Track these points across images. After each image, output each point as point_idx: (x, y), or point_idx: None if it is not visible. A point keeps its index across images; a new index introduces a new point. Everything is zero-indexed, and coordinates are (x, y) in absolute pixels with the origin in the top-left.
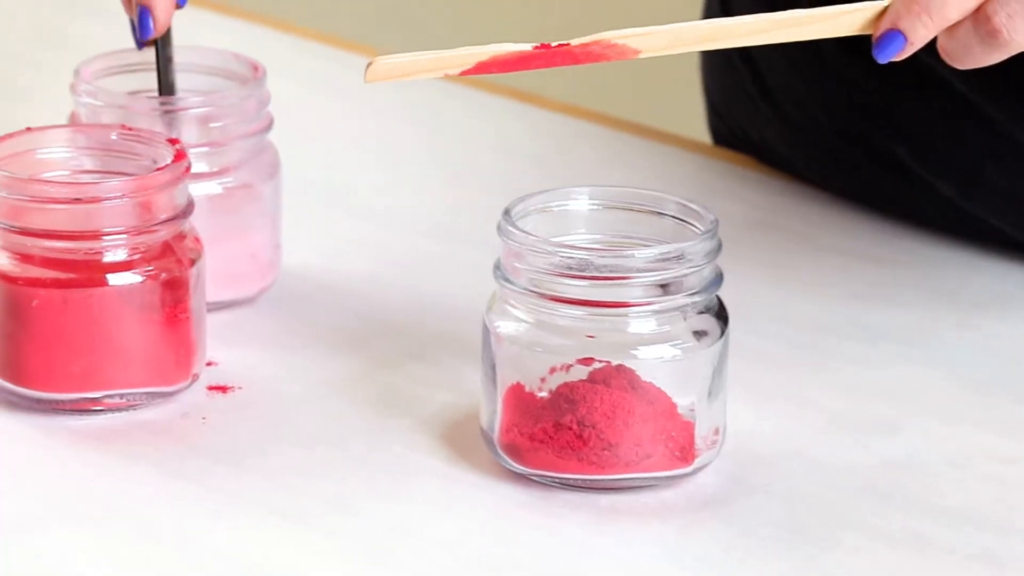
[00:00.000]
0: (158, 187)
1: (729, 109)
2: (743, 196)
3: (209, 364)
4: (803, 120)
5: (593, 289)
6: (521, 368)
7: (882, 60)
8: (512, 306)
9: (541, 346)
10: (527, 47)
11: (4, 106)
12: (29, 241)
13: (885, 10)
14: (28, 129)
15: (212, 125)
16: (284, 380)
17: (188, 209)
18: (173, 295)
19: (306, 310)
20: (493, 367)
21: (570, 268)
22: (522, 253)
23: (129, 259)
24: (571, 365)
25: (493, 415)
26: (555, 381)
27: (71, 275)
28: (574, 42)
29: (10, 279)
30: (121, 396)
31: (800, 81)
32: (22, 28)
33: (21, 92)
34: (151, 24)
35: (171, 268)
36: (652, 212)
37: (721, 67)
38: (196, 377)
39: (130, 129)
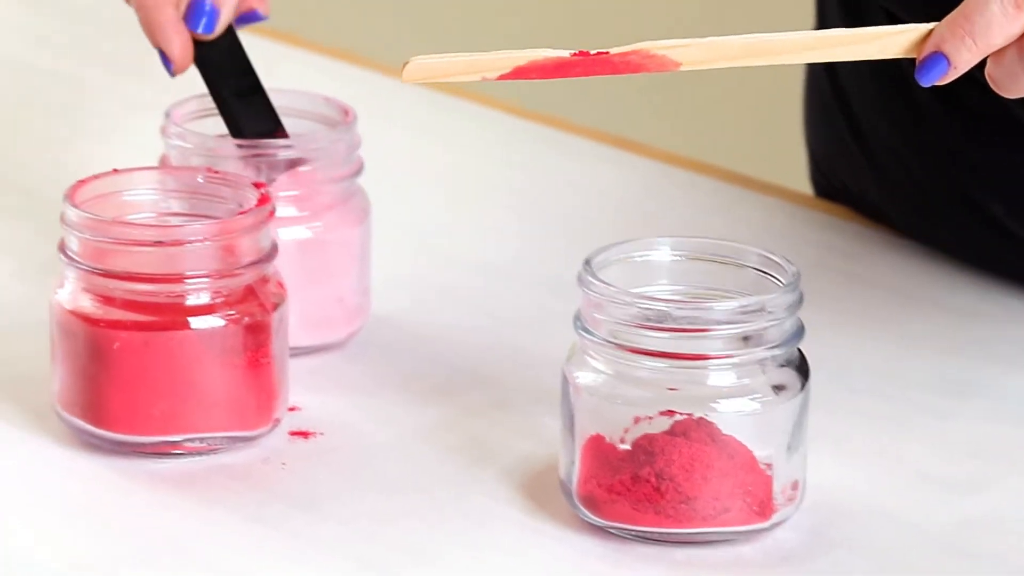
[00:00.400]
0: (241, 231)
1: (829, 160)
2: (840, 248)
3: (292, 409)
4: (900, 173)
5: (673, 341)
6: (599, 419)
7: (925, 83)
8: (591, 357)
9: (620, 398)
10: (565, 54)
11: (97, 147)
12: (112, 283)
13: (930, 33)
14: (115, 171)
15: (301, 169)
16: (367, 426)
17: (272, 253)
18: (255, 339)
19: (393, 356)
20: (572, 418)
21: (649, 320)
22: (601, 304)
23: (211, 303)
24: (653, 417)
25: (571, 466)
26: (638, 432)
27: (153, 318)
28: (613, 51)
29: (92, 321)
30: (202, 440)
31: (897, 134)
32: (119, 66)
33: (115, 131)
34: (168, 66)
35: (254, 312)
36: (734, 263)
37: (821, 118)
38: (277, 422)
39: (216, 172)
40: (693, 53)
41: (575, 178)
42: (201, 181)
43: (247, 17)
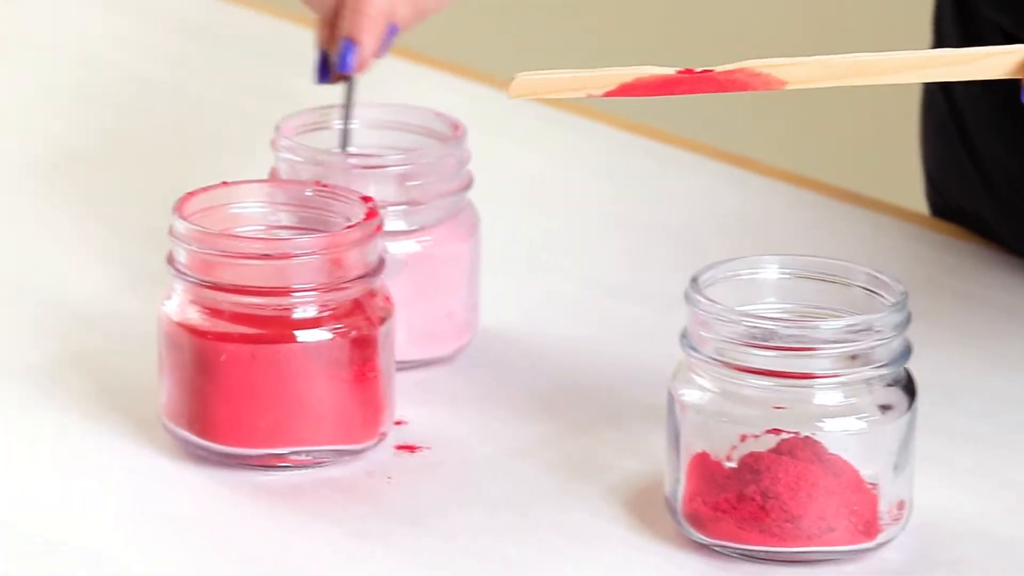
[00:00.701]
0: (349, 244)
1: (944, 180)
2: (954, 267)
3: (399, 423)
4: (1015, 195)
5: (779, 360)
6: (705, 437)
7: None
8: (697, 374)
9: (726, 416)
10: (670, 71)
11: (207, 159)
12: (219, 296)
13: None
14: (224, 183)
15: (410, 184)
16: (473, 441)
17: (379, 267)
18: (362, 353)
19: (500, 371)
20: (677, 435)
21: (756, 338)
22: (708, 321)
23: (319, 316)
24: (760, 435)
25: (676, 483)
26: (744, 450)
27: (260, 331)
28: (718, 69)
29: (199, 333)
30: (307, 453)
31: (1011, 155)
32: (232, 80)
33: (225, 143)
34: (352, 61)
35: (360, 326)
36: (841, 282)
37: (936, 137)
38: (383, 436)
39: (325, 186)
40: (799, 72)
41: (685, 193)
42: (310, 194)
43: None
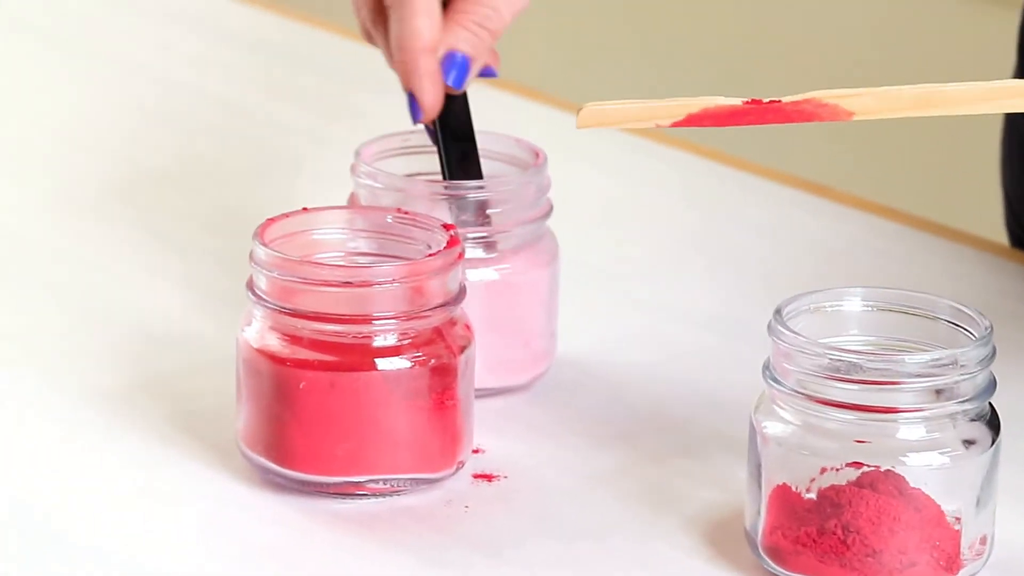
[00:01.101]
0: (430, 273)
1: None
2: None
3: (476, 451)
4: None
5: (862, 393)
6: (787, 470)
7: None
8: (780, 407)
9: (808, 449)
10: (737, 102)
11: (286, 184)
12: (299, 323)
13: None
14: (304, 209)
15: (490, 211)
16: (550, 471)
17: (460, 296)
18: (441, 382)
19: (578, 400)
20: (759, 467)
21: (839, 371)
22: (791, 354)
23: (398, 344)
24: (840, 468)
25: (757, 516)
26: (824, 482)
27: (339, 358)
28: (785, 99)
29: (279, 360)
30: (385, 481)
31: None
32: (311, 103)
33: (304, 168)
34: (416, 113)
35: (440, 354)
36: (926, 315)
37: (1017, 162)
38: (461, 464)
39: (406, 213)
40: (866, 102)
41: (765, 222)
42: (390, 221)
43: (482, 72)
